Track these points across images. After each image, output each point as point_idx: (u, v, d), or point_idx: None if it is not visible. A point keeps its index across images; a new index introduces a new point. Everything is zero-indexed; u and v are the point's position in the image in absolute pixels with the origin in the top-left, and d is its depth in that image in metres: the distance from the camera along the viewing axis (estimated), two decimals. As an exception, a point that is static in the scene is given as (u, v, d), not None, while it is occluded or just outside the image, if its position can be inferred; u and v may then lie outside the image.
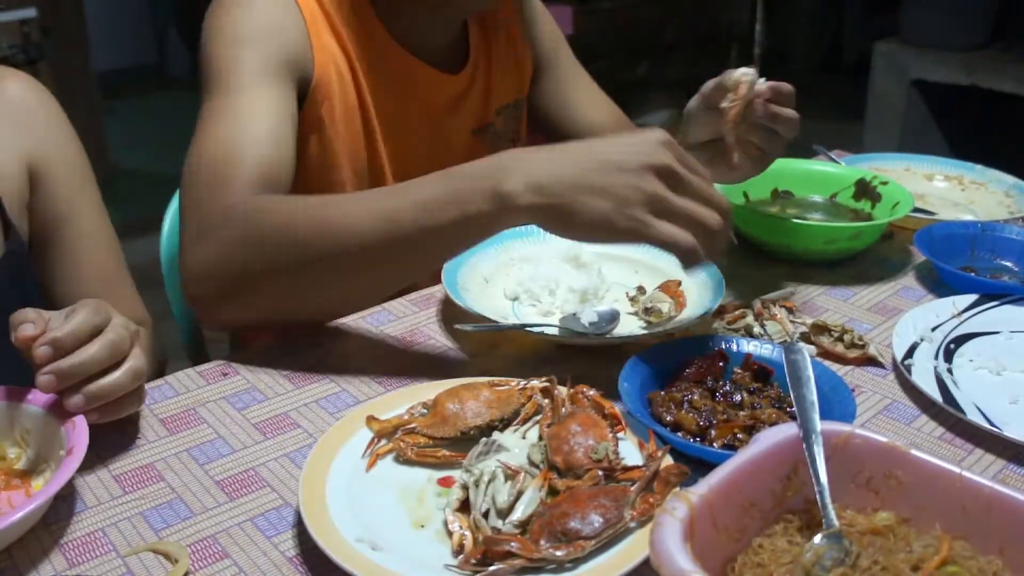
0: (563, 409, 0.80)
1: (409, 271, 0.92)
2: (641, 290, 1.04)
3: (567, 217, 0.81)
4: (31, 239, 1.02)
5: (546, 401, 0.82)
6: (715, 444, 0.77)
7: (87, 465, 0.77)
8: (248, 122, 0.97)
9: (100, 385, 0.73)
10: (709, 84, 1.02)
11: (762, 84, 0.98)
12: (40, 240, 1.02)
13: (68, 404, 0.72)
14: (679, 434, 0.77)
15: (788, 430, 0.63)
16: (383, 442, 0.77)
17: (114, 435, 0.81)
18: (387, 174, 1.15)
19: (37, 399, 0.76)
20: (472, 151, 1.21)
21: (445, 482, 0.73)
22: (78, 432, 0.72)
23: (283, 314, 0.94)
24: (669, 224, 0.80)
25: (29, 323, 0.71)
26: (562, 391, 0.82)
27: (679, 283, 1.03)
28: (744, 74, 0.97)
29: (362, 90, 1.11)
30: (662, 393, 0.82)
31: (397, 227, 0.84)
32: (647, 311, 0.99)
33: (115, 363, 0.75)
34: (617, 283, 1.09)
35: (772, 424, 0.79)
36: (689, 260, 0.81)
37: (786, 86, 0.98)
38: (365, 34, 1.10)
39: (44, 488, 0.67)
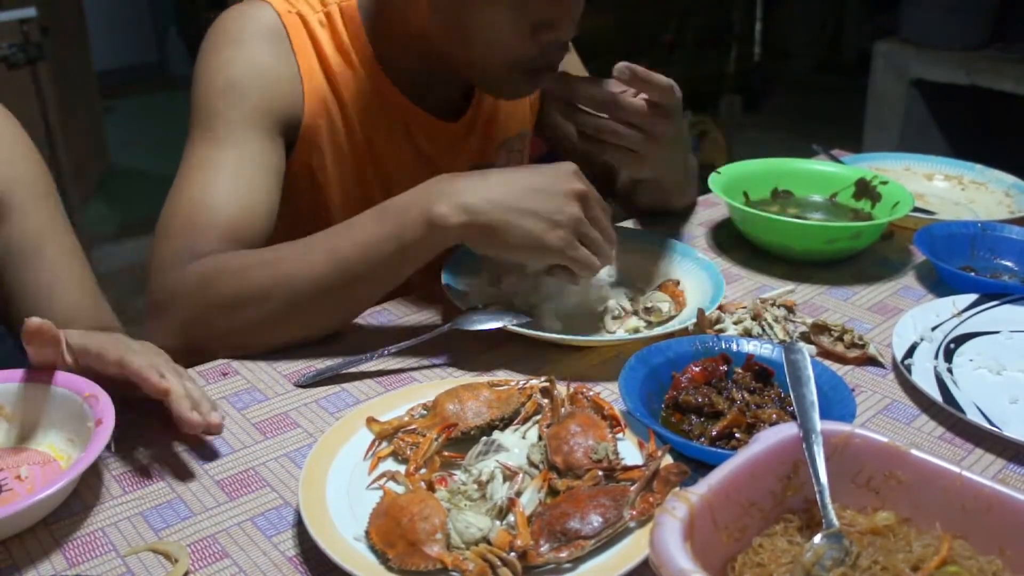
0: (563, 409, 0.80)
1: (362, 301, 0.97)
2: (640, 290, 1.04)
3: (497, 236, 0.88)
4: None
5: (545, 401, 0.82)
6: (716, 444, 0.77)
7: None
8: (223, 178, 0.97)
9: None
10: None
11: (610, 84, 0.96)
12: (13, 264, 1.00)
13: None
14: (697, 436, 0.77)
15: (788, 430, 0.63)
16: (384, 444, 0.77)
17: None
18: None
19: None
20: None
21: (444, 482, 0.73)
22: (103, 405, 0.75)
23: (249, 350, 0.95)
24: (585, 249, 0.90)
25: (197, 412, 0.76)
26: (561, 391, 0.82)
27: (678, 282, 1.03)
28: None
29: (355, 135, 1.10)
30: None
31: (345, 266, 0.90)
32: (647, 311, 0.99)
33: None
34: (616, 283, 1.09)
35: (773, 424, 0.79)
36: (577, 281, 0.94)
37: (621, 70, 0.95)
38: (363, 77, 1.08)
39: (83, 456, 0.70)
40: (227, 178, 0.98)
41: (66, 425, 0.78)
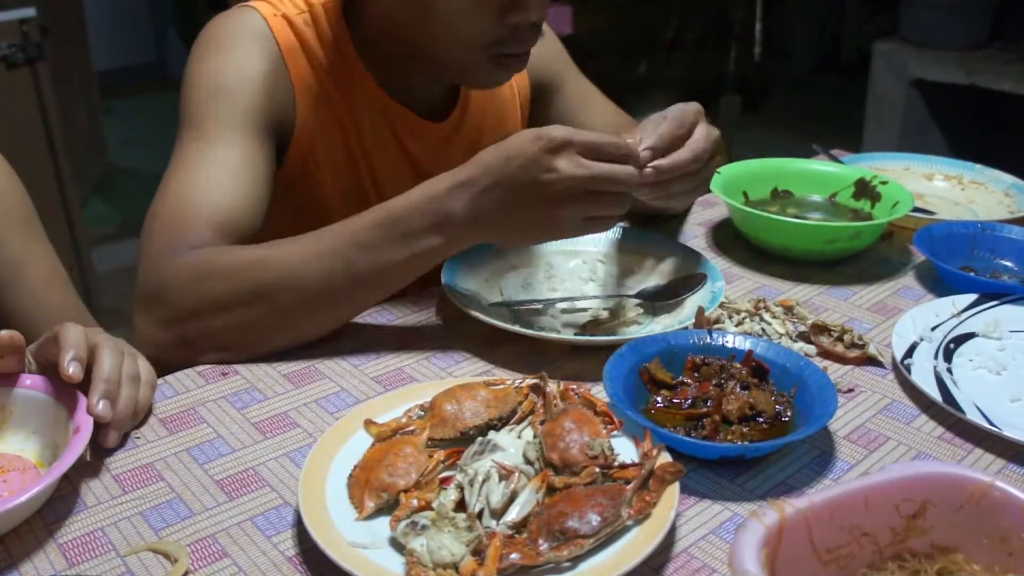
0: (555, 406, 0.79)
1: (362, 306, 0.96)
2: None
3: (510, 244, 0.94)
4: None
5: (539, 399, 0.82)
6: (712, 438, 0.77)
7: (87, 465, 0.77)
8: (212, 173, 0.96)
9: (124, 416, 0.79)
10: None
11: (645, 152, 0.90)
12: None
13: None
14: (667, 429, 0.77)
15: (922, 467, 0.59)
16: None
17: (114, 435, 0.81)
18: None
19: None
20: None
21: (443, 482, 0.73)
22: (82, 413, 0.75)
23: (240, 352, 0.93)
24: (591, 224, 0.88)
25: (77, 362, 0.75)
26: (553, 388, 0.82)
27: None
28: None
29: (347, 136, 1.09)
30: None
31: (350, 270, 0.89)
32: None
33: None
34: (616, 282, 1.09)
35: (771, 412, 0.79)
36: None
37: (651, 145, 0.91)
38: (348, 77, 1.08)
39: (57, 464, 0.69)
40: (215, 173, 0.97)
41: (47, 432, 0.78)
